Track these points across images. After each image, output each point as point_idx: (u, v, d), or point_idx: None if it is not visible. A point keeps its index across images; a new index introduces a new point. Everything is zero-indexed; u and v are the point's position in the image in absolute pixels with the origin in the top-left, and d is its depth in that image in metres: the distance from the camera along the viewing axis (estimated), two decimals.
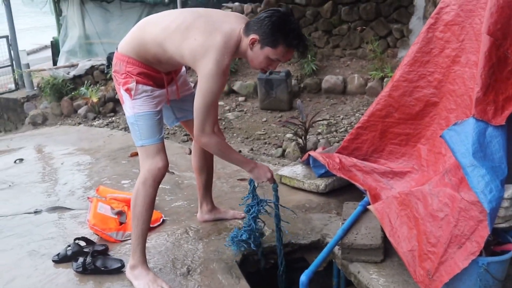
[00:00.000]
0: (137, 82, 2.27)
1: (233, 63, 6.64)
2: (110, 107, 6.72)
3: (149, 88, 2.30)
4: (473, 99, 2.15)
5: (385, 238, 2.40)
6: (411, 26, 6.08)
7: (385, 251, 2.43)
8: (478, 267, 1.92)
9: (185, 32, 2.19)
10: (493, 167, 1.92)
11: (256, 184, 2.57)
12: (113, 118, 6.37)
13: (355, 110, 5.52)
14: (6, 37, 8.18)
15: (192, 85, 2.77)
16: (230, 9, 6.92)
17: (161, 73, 2.37)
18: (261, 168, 2.47)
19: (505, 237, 2.08)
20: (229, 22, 2.24)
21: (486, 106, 2.03)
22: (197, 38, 2.16)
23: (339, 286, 2.70)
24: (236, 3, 6.94)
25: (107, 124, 6.15)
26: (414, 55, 2.68)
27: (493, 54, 2.06)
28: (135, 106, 2.30)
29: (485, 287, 1.95)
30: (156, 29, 2.27)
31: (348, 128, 4.96)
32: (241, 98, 6.29)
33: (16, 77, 8.17)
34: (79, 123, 6.54)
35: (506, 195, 1.92)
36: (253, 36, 2.18)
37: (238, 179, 3.72)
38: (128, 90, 2.28)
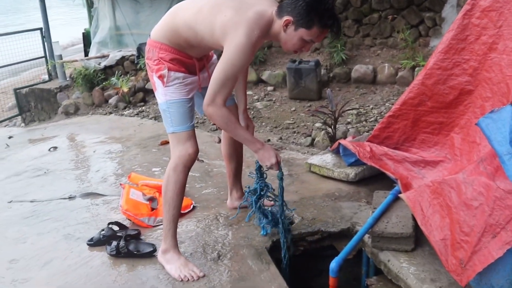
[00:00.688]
0: (169, 69, 2.30)
1: (262, 52, 6.63)
2: (140, 97, 6.81)
3: (181, 75, 2.32)
4: (511, 87, 2.10)
5: (416, 227, 2.38)
6: (444, 14, 5.94)
7: (416, 240, 2.40)
8: None
9: (216, 9, 2.20)
10: None
11: (264, 168, 2.52)
12: (143, 108, 6.45)
13: (385, 100, 5.45)
14: (40, 29, 8.36)
15: None
16: None
17: (193, 59, 2.39)
18: (268, 151, 2.38)
19: None
20: (261, 4, 2.23)
21: None
22: (228, 14, 2.16)
23: (368, 275, 2.69)
24: None
25: (137, 114, 6.24)
26: (449, 42, 2.63)
27: None
28: (167, 93, 2.33)
29: None
30: (188, 13, 2.29)
31: (378, 117, 4.91)
32: (269, 88, 6.28)
33: (50, 68, 8.35)
34: (110, 113, 6.66)
35: None
36: (287, 17, 2.17)
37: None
38: (161, 77, 2.31)
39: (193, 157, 2.38)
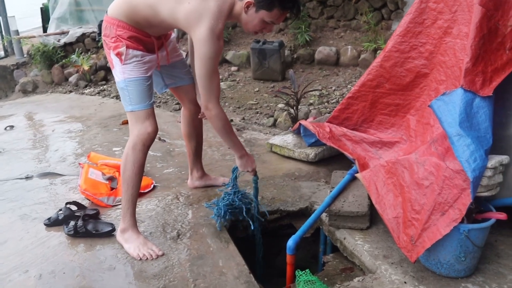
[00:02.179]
0: (127, 47, 2.26)
1: (226, 32, 6.57)
2: (101, 75, 6.66)
3: (139, 53, 2.29)
4: (463, 70, 2.17)
5: (371, 206, 2.46)
6: None
7: (371, 219, 2.48)
8: (459, 233, 1.97)
9: None
10: (478, 137, 1.96)
11: (238, 174, 2.63)
12: (105, 86, 6.32)
13: (347, 82, 5.52)
14: None
15: (184, 54, 2.76)
16: None
17: (151, 37, 2.36)
18: (250, 158, 2.55)
19: (487, 206, 2.13)
20: None
21: (475, 77, 2.05)
22: (191, 2, 2.15)
23: (326, 252, 2.76)
24: None
25: (98, 92, 6.12)
26: (407, 26, 2.67)
27: (484, 25, 2.06)
28: (126, 71, 2.30)
29: (465, 253, 2.00)
30: None
31: (340, 99, 4.97)
32: (233, 68, 6.25)
33: (5, 43, 8.04)
34: (70, 91, 6.50)
35: (489, 164, 1.96)
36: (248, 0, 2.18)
37: (228, 148, 3.74)
38: (118, 55, 2.27)
39: (152, 136, 2.36)
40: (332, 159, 3.32)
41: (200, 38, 2.15)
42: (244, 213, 2.57)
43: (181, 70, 2.64)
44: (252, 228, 2.59)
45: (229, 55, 6.38)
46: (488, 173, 1.96)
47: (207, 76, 2.22)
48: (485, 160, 1.92)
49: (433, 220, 2.00)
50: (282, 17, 2.26)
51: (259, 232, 2.68)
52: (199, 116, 2.79)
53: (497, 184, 2.06)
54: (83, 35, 7.48)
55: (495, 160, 1.98)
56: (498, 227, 2.22)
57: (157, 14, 2.23)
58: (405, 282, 2.07)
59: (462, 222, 1.97)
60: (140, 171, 2.38)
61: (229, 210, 2.55)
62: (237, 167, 2.60)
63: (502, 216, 2.01)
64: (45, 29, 8.24)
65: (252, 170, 2.57)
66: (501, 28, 2.07)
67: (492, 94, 2.04)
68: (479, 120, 2.00)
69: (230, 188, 2.64)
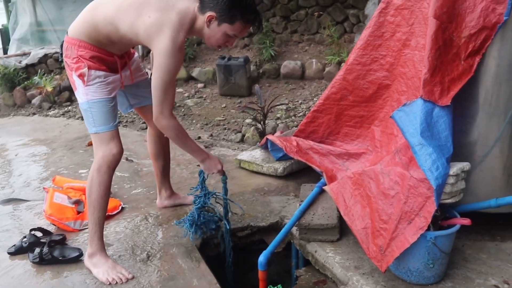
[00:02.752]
0: (90, 68, 2.23)
1: (191, 49, 6.58)
2: (65, 96, 6.54)
3: (102, 73, 2.26)
4: (421, 81, 2.23)
5: (340, 218, 2.48)
6: (366, 11, 6.19)
7: (341, 231, 2.50)
8: (426, 241, 2.01)
9: (139, 9, 2.17)
10: (439, 145, 2.01)
11: (205, 176, 2.60)
12: (69, 108, 6.21)
13: (313, 95, 5.60)
14: None
15: (149, 73, 2.75)
16: None
17: (114, 56, 2.34)
18: (213, 159, 2.49)
19: (451, 212, 2.18)
20: (183, 0, 2.22)
21: (433, 87, 2.11)
22: (151, 16, 2.14)
23: (298, 266, 2.76)
24: None
25: (63, 114, 6.00)
26: (367, 39, 2.73)
27: (439, 37, 2.13)
28: (89, 93, 2.26)
29: (433, 260, 2.04)
30: (108, 9, 2.23)
31: (307, 112, 5.03)
32: (200, 85, 6.26)
33: None
34: (34, 114, 6.35)
35: (451, 172, 2.01)
36: (210, 13, 2.17)
37: (197, 165, 3.72)
38: (81, 76, 2.23)
39: (118, 158, 2.33)
40: (300, 173, 3.34)
41: (160, 49, 2.13)
42: (217, 215, 2.59)
43: (145, 89, 2.62)
44: (228, 227, 2.60)
45: (195, 72, 6.38)
46: (451, 180, 2.01)
47: (163, 88, 2.19)
48: (447, 168, 1.97)
49: (400, 229, 2.03)
50: (245, 30, 2.27)
51: (228, 235, 2.65)
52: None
53: (460, 191, 2.11)
54: (46, 56, 7.36)
55: (456, 167, 2.03)
56: (464, 232, 2.27)
57: (117, 30, 2.21)
58: None
59: (428, 229, 2.00)
60: (106, 193, 2.33)
61: (202, 213, 2.55)
62: (202, 171, 2.57)
63: (466, 221, 2.06)
64: (5, 51, 8.07)
65: (219, 171, 2.51)
66: (455, 40, 2.15)
67: (451, 104, 2.11)
68: (440, 129, 2.05)
69: (199, 191, 2.61)
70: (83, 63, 2.24)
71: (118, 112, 2.44)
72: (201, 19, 2.22)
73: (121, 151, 2.34)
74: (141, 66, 2.64)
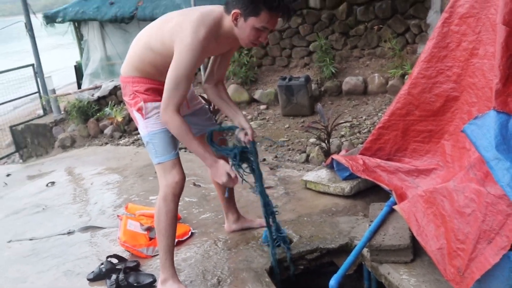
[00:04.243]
0: (145, 101, 2.31)
1: (252, 72, 6.67)
2: (134, 126, 6.83)
3: (158, 104, 2.31)
4: (493, 91, 2.12)
5: (413, 238, 2.37)
6: (428, 20, 6.01)
7: (414, 251, 2.40)
8: (509, 261, 1.87)
9: (165, 20, 2.26)
10: None
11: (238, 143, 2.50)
12: (138, 136, 6.47)
13: (377, 110, 5.48)
14: (32, 65, 8.45)
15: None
16: None
17: None
18: (218, 169, 2.29)
19: None
20: (208, 6, 2.27)
21: (507, 97, 1.99)
22: (174, 20, 2.21)
23: None
24: None
25: (133, 142, 6.27)
26: (431, 51, 2.65)
27: (510, 44, 2.02)
28: (148, 125, 2.34)
29: None
30: (145, 34, 2.33)
31: (371, 128, 4.93)
32: (262, 107, 6.32)
33: (44, 103, 8.42)
34: (106, 143, 6.69)
35: None
36: (234, 11, 2.17)
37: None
38: (139, 110, 2.32)
39: (181, 185, 2.38)
40: (368, 191, 3.26)
41: (181, 46, 2.13)
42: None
43: (203, 117, 2.68)
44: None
45: (257, 94, 6.46)
46: None
47: (175, 81, 2.16)
48: None
49: (479, 249, 1.91)
50: (274, 20, 2.21)
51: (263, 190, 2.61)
52: None
53: None
54: (115, 87, 7.75)
55: None
56: None
57: (153, 51, 2.27)
58: None
59: (510, 249, 1.87)
60: (174, 221, 2.39)
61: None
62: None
63: None
64: (79, 85, 8.61)
65: (227, 183, 2.30)
66: None
67: None
68: None
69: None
70: (139, 97, 2.33)
71: (180, 143, 2.48)
72: (228, 19, 2.22)
73: (183, 178, 2.39)
74: (196, 95, 2.70)
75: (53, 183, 4.98)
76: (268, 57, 6.94)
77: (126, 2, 8.00)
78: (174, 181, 2.34)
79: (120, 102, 7.57)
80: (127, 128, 6.78)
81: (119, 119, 6.71)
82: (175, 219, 2.38)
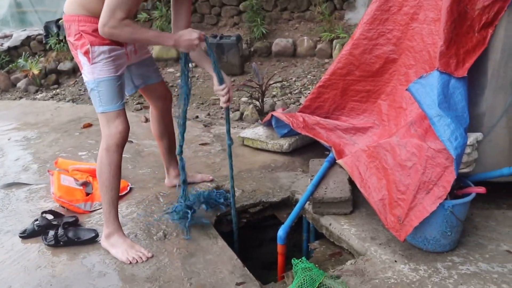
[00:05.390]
0: (92, 44, 2.17)
1: None
2: (52, 79, 6.40)
3: (106, 48, 2.19)
4: (432, 54, 2.26)
5: (353, 191, 2.52)
6: None
7: (354, 203, 2.54)
8: (444, 209, 2.06)
9: None
10: (457, 116, 2.05)
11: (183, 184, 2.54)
12: (58, 90, 6.09)
13: (306, 72, 5.59)
14: None
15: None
16: None
17: None
18: (187, 34, 2.20)
19: (465, 182, 2.23)
20: None
21: (449, 59, 2.13)
22: None
23: (309, 240, 2.81)
24: None
25: (52, 97, 5.88)
26: (373, 13, 2.74)
27: (454, 9, 2.15)
28: (95, 71, 2.22)
29: (450, 228, 2.10)
30: None
31: (302, 89, 5.04)
32: (191, 64, 6.18)
33: None
34: (20, 97, 6.20)
35: (468, 142, 2.06)
36: None
37: (199, 144, 3.72)
38: (86, 54, 2.18)
39: (125, 135, 2.30)
40: (305, 149, 3.37)
41: None
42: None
43: (150, 68, 2.59)
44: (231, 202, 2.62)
45: None
46: (467, 150, 2.07)
47: None
48: (465, 138, 2.01)
49: (418, 199, 2.08)
50: None
51: (234, 209, 2.63)
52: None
53: (474, 160, 2.17)
54: (28, 38, 7.15)
55: (472, 138, 2.09)
56: (472, 201, 2.33)
57: None
58: (395, 261, 2.14)
59: (445, 199, 2.05)
60: (118, 173, 2.31)
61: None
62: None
63: (482, 190, 2.12)
64: None
65: (199, 39, 2.20)
66: (469, 12, 2.17)
67: (466, 75, 2.14)
68: (456, 100, 2.09)
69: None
70: (86, 39, 2.18)
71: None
72: None
73: (127, 128, 2.31)
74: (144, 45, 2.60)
75: None
76: (197, 14, 6.76)
77: None
78: (117, 131, 2.26)
79: (34, 54, 7.02)
80: (44, 82, 6.33)
81: (35, 72, 6.24)
82: (119, 170, 2.31)
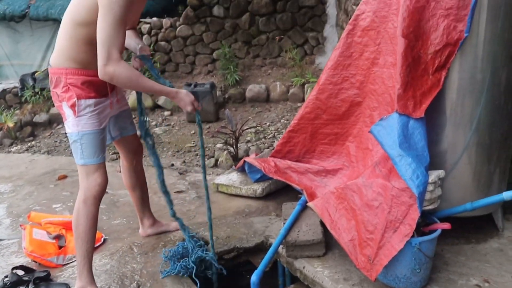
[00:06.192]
0: (79, 97, 2.22)
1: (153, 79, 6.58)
2: (28, 131, 6.39)
3: (92, 101, 2.25)
4: (393, 96, 2.36)
5: (325, 233, 2.55)
6: (325, 33, 6.41)
7: (326, 245, 2.57)
8: (411, 247, 2.10)
9: None
10: (417, 155, 2.13)
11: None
12: (33, 143, 6.07)
13: (280, 116, 5.71)
14: None
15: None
16: (149, 24, 6.88)
17: None
18: (184, 98, 2.29)
19: (431, 218, 2.29)
20: None
21: (407, 101, 2.24)
22: None
23: (285, 284, 2.80)
24: (154, 18, 6.90)
25: (27, 149, 5.86)
26: (337, 59, 2.87)
27: (408, 55, 2.27)
28: (80, 124, 2.25)
29: (419, 265, 2.13)
30: (67, 18, 2.22)
31: (276, 134, 5.13)
32: (167, 113, 6.27)
33: None
34: None
35: (430, 179, 2.13)
36: None
37: (174, 192, 3.73)
38: (72, 106, 2.22)
39: (103, 188, 2.33)
40: (279, 193, 3.41)
41: None
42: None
43: (127, 119, 2.64)
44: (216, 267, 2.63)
45: (161, 100, 6.40)
46: (430, 187, 2.13)
47: (111, 30, 2.01)
48: (426, 176, 2.08)
49: (386, 238, 2.12)
50: None
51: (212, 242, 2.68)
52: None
53: (438, 197, 2.24)
54: (4, 91, 7.18)
55: (434, 175, 2.16)
56: (442, 237, 2.38)
57: (81, 24, 2.16)
58: None
59: (412, 236, 2.10)
60: (94, 225, 2.32)
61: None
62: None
63: (447, 225, 2.17)
64: None
65: (194, 103, 2.30)
66: (423, 56, 2.30)
67: (424, 116, 2.24)
68: (416, 140, 2.18)
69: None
70: (73, 92, 2.23)
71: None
72: None
73: (105, 180, 2.34)
74: (125, 96, 2.65)
75: None
76: (171, 63, 6.90)
77: None
78: (96, 184, 2.28)
79: (9, 107, 7.03)
80: (19, 135, 6.31)
81: (10, 124, 6.23)
82: (95, 222, 2.31)
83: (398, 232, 2.10)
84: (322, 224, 2.60)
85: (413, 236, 2.10)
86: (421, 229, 2.21)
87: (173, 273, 2.49)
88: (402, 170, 2.09)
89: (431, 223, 2.28)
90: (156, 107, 6.41)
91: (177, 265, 2.51)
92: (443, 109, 2.41)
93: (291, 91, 6.06)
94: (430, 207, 2.19)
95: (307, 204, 2.73)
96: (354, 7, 4.13)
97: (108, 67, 2.05)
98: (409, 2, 2.29)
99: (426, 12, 2.29)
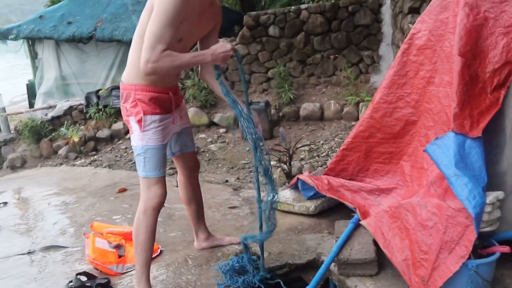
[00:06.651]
0: (145, 113, 2.34)
1: (212, 96, 6.78)
2: (91, 146, 6.74)
3: (157, 117, 2.36)
4: (450, 115, 2.34)
5: (378, 252, 2.52)
6: (380, 52, 6.39)
7: (379, 264, 2.54)
8: (468, 269, 2.05)
9: (144, 11, 2.27)
10: (474, 175, 2.09)
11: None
12: (96, 157, 6.39)
13: (334, 135, 5.71)
14: None
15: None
16: None
17: (169, 93, 2.43)
18: (218, 48, 2.29)
19: (489, 241, 2.22)
20: None
21: (463, 120, 2.21)
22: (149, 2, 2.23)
23: None
24: None
25: (90, 163, 6.18)
26: (391, 78, 2.87)
27: (465, 73, 2.25)
28: (144, 139, 2.37)
29: None
30: (136, 37, 2.33)
31: (329, 152, 5.13)
32: (222, 130, 6.42)
33: None
34: (61, 164, 6.54)
35: (488, 200, 2.08)
36: None
37: (228, 207, 3.81)
38: (139, 121, 2.35)
39: (162, 200, 2.43)
40: (331, 210, 3.40)
41: None
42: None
43: (188, 137, 2.74)
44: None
45: (216, 118, 6.57)
46: (488, 208, 2.08)
47: (159, 28, 2.11)
48: (484, 197, 2.04)
49: (441, 259, 2.08)
50: None
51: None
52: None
53: (496, 219, 2.17)
54: (70, 108, 7.63)
55: (492, 196, 2.10)
56: (501, 261, 2.30)
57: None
58: None
59: (469, 258, 2.05)
60: (153, 235, 2.42)
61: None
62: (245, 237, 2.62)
63: (506, 249, 2.11)
64: (31, 105, 8.39)
65: (232, 50, 2.30)
66: (480, 75, 2.26)
67: (481, 135, 2.20)
68: (472, 160, 2.14)
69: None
70: (140, 108, 2.34)
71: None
72: None
73: (165, 193, 2.45)
74: (187, 114, 2.76)
75: (5, 203, 4.82)
76: (227, 82, 7.07)
77: (84, 22, 7.97)
78: (156, 195, 2.39)
79: (75, 122, 7.45)
80: (83, 149, 6.68)
81: (76, 139, 6.60)
82: (154, 233, 2.42)
83: (453, 253, 2.05)
84: (375, 243, 2.57)
85: (469, 258, 2.05)
86: (478, 251, 2.15)
87: (233, 287, 2.55)
88: (458, 190, 2.05)
89: (489, 245, 2.21)
90: (211, 124, 6.58)
91: (237, 279, 2.56)
92: (503, 128, 2.35)
93: (345, 109, 6.05)
94: (488, 229, 2.13)
95: (360, 222, 2.71)
96: (410, 25, 4.10)
97: (148, 65, 2.14)
98: (466, 21, 2.27)
99: (484, 30, 2.27)
